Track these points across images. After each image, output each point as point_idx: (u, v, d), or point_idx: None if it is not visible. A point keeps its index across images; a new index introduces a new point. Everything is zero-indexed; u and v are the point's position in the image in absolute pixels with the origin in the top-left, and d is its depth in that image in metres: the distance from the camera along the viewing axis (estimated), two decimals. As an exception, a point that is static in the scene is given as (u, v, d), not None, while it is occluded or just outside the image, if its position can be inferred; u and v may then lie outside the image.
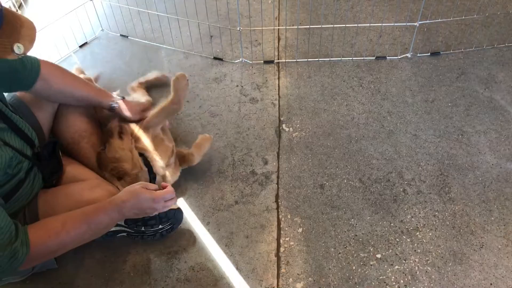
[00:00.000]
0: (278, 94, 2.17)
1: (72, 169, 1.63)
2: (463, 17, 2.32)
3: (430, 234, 1.61)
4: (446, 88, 2.12)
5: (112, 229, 1.55)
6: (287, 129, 2.01)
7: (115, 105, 1.71)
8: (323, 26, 2.37)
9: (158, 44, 2.44)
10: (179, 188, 1.80)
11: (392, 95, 2.11)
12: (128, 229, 1.59)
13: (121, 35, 2.51)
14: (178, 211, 1.62)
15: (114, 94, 1.76)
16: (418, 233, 1.62)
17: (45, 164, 1.50)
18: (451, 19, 2.33)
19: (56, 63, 2.32)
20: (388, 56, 2.30)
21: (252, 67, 2.30)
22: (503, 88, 2.11)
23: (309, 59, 2.31)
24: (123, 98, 1.75)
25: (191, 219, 1.70)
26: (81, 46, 2.47)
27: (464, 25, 2.43)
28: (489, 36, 2.35)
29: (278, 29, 2.49)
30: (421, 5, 2.16)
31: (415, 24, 2.24)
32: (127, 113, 1.73)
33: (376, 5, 2.57)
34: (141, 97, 2.03)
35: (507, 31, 2.36)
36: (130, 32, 2.51)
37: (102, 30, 2.55)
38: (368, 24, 2.41)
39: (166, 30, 2.46)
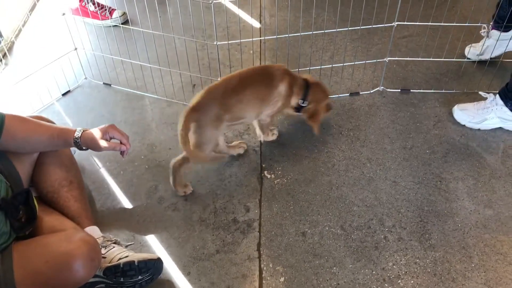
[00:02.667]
0: (260, 141, 2.19)
1: (50, 219, 1.61)
2: (431, 58, 2.43)
3: (412, 281, 1.61)
4: (424, 136, 2.17)
5: (90, 280, 1.51)
6: (269, 176, 2.02)
7: (78, 139, 1.61)
8: (300, 69, 2.43)
9: (141, 92, 2.47)
10: (159, 237, 1.78)
11: (371, 142, 2.15)
12: (106, 280, 1.55)
13: (104, 83, 2.54)
14: (158, 261, 1.60)
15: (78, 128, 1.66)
16: (400, 281, 1.61)
17: (13, 216, 1.46)
18: (420, 59, 2.43)
19: (38, 111, 2.34)
20: (361, 92, 2.39)
21: (234, 115, 2.33)
22: (478, 135, 2.17)
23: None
24: (85, 130, 1.65)
25: (171, 269, 1.67)
26: (64, 94, 2.48)
27: (436, 64, 2.52)
28: (460, 80, 2.44)
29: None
30: (389, 44, 2.25)
31: (385, 60, 2.35)
32: (96, 142, 1.62)
33: (354, 55, 2.66)
34: None
35: (477, 78, 2.45)
36: (113, 81, 2.54)
37: (86, 78, 2.58)
38: (342, 64, 2.48)
39: (149, 79, 2.50)
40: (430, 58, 2.46)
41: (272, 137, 2.18)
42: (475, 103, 2.22)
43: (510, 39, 2.39)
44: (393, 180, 1.98)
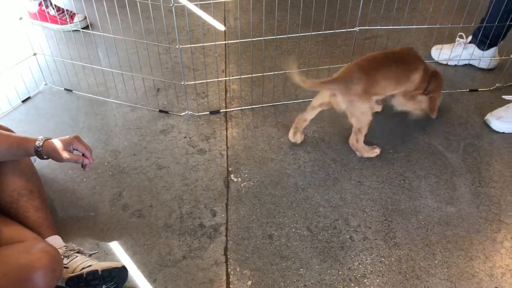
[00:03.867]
0: (226, 144, 2.18)
1: (9, 230, 1.56)
2: None
3: (378, 280, 1.63)
4: (387, 135, 2.21)
5: (53, 292, 1.47)
6: (235, 180, 2.02)
7: (39, 148, 1.56)
8: (264, 74, 2.44)
9: (103, 98, 2.43)
10: (124, 244, 1.75)
11: (335, 143, 2.17)
12: (69, 291, 1.51)
13: (65, 89, 2.48)
14: (123, 269, 1.57)
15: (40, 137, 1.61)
16: (366, 280, 1.63)
17: None
18: None
19: (-5, 119, 2.27)
20: None
21: (200, 119, 2.32)
22: (440, 134, 2.22)
23: (253, 106, 2.37)
24: (48, 139, 1.60)
25: (137, 277, 1.64)
26: (24, 101, 2.41)
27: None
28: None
29: (225, 81, 2.54)
30: (352, 48, 2.28)
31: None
32: (58, 153, 1.57)
33: (319, 57, 2.68)
34: None
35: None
36: (74, 86, 2.49)
37: (46, 84, 2.51)
38: (306, 68, 2.48)
39: (111, 84, 2.46)
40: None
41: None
42: (506, 108, 2.25)
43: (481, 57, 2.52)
44: (357, 180, 2.00)
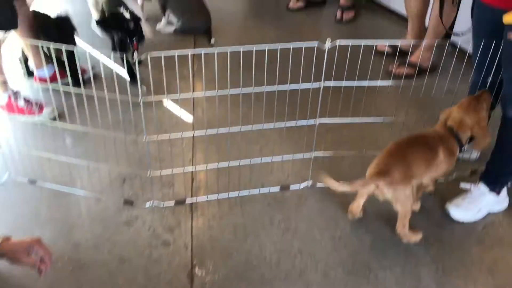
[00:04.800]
0: (191, 235, 2.16)
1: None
2: (351, 151, 2.57)
3: None
4: (350, 224, 2.24)
5: None
6: (199, 273, 1.98)
7: None
8: (230, 163, 2.47)
9: (68, 188, 2.40)
10: None
11: (301, 234, 2.18)
12: None
13: (29, 180, 2.46)
14: None
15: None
16: None
17: None
18: (344, 152, 2.55)
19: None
20: (291, 185, 2.47)
21: (165, 209, 2.31)
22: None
23: (219, 194, 2.39)
24: (6, 238, 1.57)
25: None
26: (-15, 193, 2.37)
27: (361, 158, 2.65)
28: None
29: (191, 172, 2.56)
30: (313, 139, 2.37)
31: (310, 156, 2.46)
32: (17, 256, 1.54)
33: (280, 146, 2.76)
34: None
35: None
36: (39, 177, 2.46)
37: (9, 175, 2.48)
38: (271, 158, 2.53)
39: (77, 174, 2.45)
40: (353, 151, 2.60)
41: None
42: (463, 198, 2.30)
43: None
44: (323, 270, 1.99)
